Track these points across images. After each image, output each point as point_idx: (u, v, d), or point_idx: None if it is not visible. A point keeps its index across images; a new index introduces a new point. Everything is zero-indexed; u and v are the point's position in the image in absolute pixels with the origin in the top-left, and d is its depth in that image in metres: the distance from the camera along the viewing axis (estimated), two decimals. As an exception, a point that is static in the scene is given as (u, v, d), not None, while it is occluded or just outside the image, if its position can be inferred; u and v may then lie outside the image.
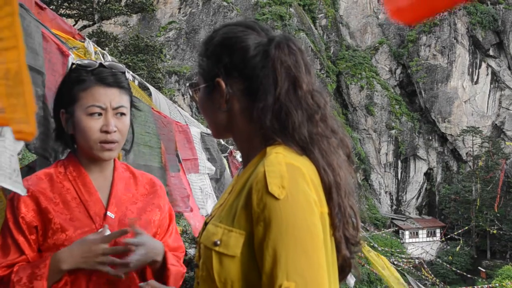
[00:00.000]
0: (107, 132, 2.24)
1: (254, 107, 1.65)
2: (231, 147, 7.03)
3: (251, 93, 1.67)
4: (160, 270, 2.31)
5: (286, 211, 1.45)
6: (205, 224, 1.78)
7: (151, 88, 4.16)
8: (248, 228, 1.52)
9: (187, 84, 1.90)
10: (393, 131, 64.90)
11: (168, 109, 4.37)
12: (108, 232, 2.20)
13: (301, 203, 1.47)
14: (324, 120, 1.68)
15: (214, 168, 5.14)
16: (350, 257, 1.70)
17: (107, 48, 26.19)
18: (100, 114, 2.24)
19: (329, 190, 1.59)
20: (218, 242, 1.57)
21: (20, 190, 1.92)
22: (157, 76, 29.26)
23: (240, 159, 7.00)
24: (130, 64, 25.67)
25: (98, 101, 2.24)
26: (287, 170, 1.50)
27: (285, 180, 1.48)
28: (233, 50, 1.70)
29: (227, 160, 6.66)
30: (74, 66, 2.35)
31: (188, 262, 18.51)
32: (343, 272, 1.71)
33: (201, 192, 4.59)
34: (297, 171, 1.52)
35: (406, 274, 6.36)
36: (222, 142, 6.10)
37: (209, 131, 5.32)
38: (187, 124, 4.69)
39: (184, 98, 56.53)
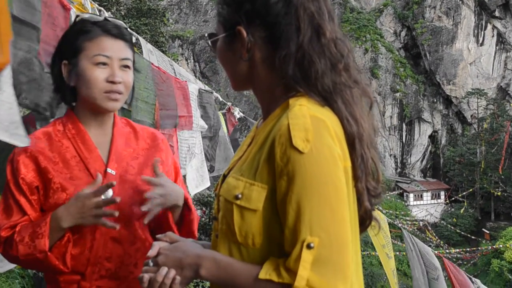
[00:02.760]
0: (113, 82, 2.22)
1: (276, 56, 1.62)
2: (229, 103, 7.01)
3: (273, 41, 1.64)
4: (181, 217, 2.32)
5: (311, 165, 1.43)
6: (224, 176, 1.78)
7: (144, 47, 4.13)
8: (271, 182, 1.51)
9: (206, 35, 1.84)
10: (397, 94, 64.55)
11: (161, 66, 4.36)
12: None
13: (325, 157, 1.45)
14: (347, 69, 1.65)
15: (206, 126, 5.13)
16: (371, 209, 1.70)
17: (109, 12, 25.97)
18: (105, 64, 2.22)
19: (352, 141, 1.57)
20: (240, 196, 1.56)
21: (20, 141, 1.92)
22: (160, 40, 29.09)
23: (238, 116, 6.99)
24: (133, 28, 25.52)
25: (104, 50, 2.22)
26: (312, 123, 1.47)
27: (310, 133, 1.45)
28: None
29: (225, 116, 6.63)
30: (78, 18, 2.32)
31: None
32: (363, 224, 1.70)
33: (188, 151, 4.59)
34: (321, 124, 1.49)
35: (402, 229, 6.40)
36: (221, 98, 6.06)
37: (207, 88, 5.33)
38: (185, 81, 4.68)
39: (187, 63, 56.28)
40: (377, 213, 1.83)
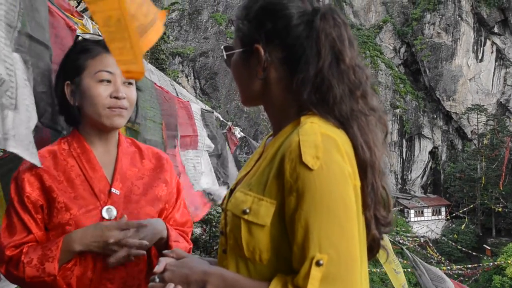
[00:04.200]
0: (117, 98, 2.22)
1: (292, 78, 1.62)
2: (229, 123, 7.02)
3: (290, 63, 1.64)
4: (164, 248, 2.26)
5: (320, 182, 1.43)
6: (231, 191, 1.77)
7: (148, 67, 4.15)
8: (280, 198, 1.50)
9: (222, 47, 1.84)
10: (397, 110, 64.58)
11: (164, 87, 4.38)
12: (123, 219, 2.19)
13: (335, 174, 1.45)
14: (364, 96, 1.64)
15: (213, 146, 5.13)
16: (379, 238, 1.68)
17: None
18: (109, 81, 2.23)
19: (365, 169, 1.57)
20: (248, 211, 1.55)
21: (37, 161, 1.92)
22: (161, 58, 29.14)
23: (238, 136, 7.01)
24: (134, 45, 25.54)
25: (107, 66, 2.23)
26: (322, 141, 1.47)
27: (320, 150, 1.45)
28: (277, 17, 1.65)
29: (226, 136, 6.63)
30: (79, 38, 2.33)
31: (194, 242, 18.56)
32: (371, 252, 1.69)
33: (194, 170, 4.58)
34: (332, 142, 1.48)
35: (403, 248, 6.41)
36: (221, 118, 6.08)
37: (208, 108, 5.35)
38: (188, 101, 4.69)
39: (188, 80, 56.35)
40: (386, 241, 1.82)
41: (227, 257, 1.66)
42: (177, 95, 4.72)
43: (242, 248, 1.56)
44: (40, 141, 2.35)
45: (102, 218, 2.19)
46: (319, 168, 1.43)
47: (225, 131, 6.85)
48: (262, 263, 1.55)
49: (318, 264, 1.39)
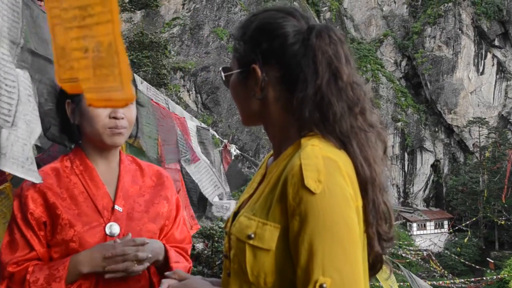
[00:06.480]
0: (115, 118, 2.24)
1: (291, 97, 1.62)
2: (225, 140, 7.04)
3: (287, 82, 1.64)
4: (164, 268, 2.28)
5: (323, 206, 1.43)
6: (235, 214, 1.76)
7: (139, 84, 4.18)
8: (283, 222, 1.50)
9: (220, 68, 1.84)
10: (399, 124, 64.52)
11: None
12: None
13: (338, 197, 1.45)
14: (363, 113, 1.64)
15: (208, 161, 5.16)
16: (382, 253, 1.68)
17: (111, 45, 26.13)
18: None
19: (365, 186, 1.57)
20: (252, 235, 1.54)
21: (35, 178, 1.91)
22: (162, 73, 29.21)
23: (234, 153, 7.02)
24: (135, 60, 25.69)
25: None
26: (324, 164, 1.47)
27: (322, 174, 1.45)
28: (272, 36, 1.65)
29: (221, 154, 6.66)
30: None
31: (196, 257, 18.46)
32: (374, 268, 1.68)
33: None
34: (334, 164, 1.48)
35: (399, 265, 6.39)
36: (217, 135, 6.10)
37: (204, 125, 5.37)
38: (184, 117, 4.71)
39: (189, 94, 56.39)
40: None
41: (231, 280, 1.66)
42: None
43: (246, 272, 1.56)
44: (49, 161, 2.38)
45: (106, 235, 2.21)
46: (321, 191, 1.43)
47: (221, 148, 6.86)
48: (266, 287, 1.54)
49: (321, 287, 1.39)
